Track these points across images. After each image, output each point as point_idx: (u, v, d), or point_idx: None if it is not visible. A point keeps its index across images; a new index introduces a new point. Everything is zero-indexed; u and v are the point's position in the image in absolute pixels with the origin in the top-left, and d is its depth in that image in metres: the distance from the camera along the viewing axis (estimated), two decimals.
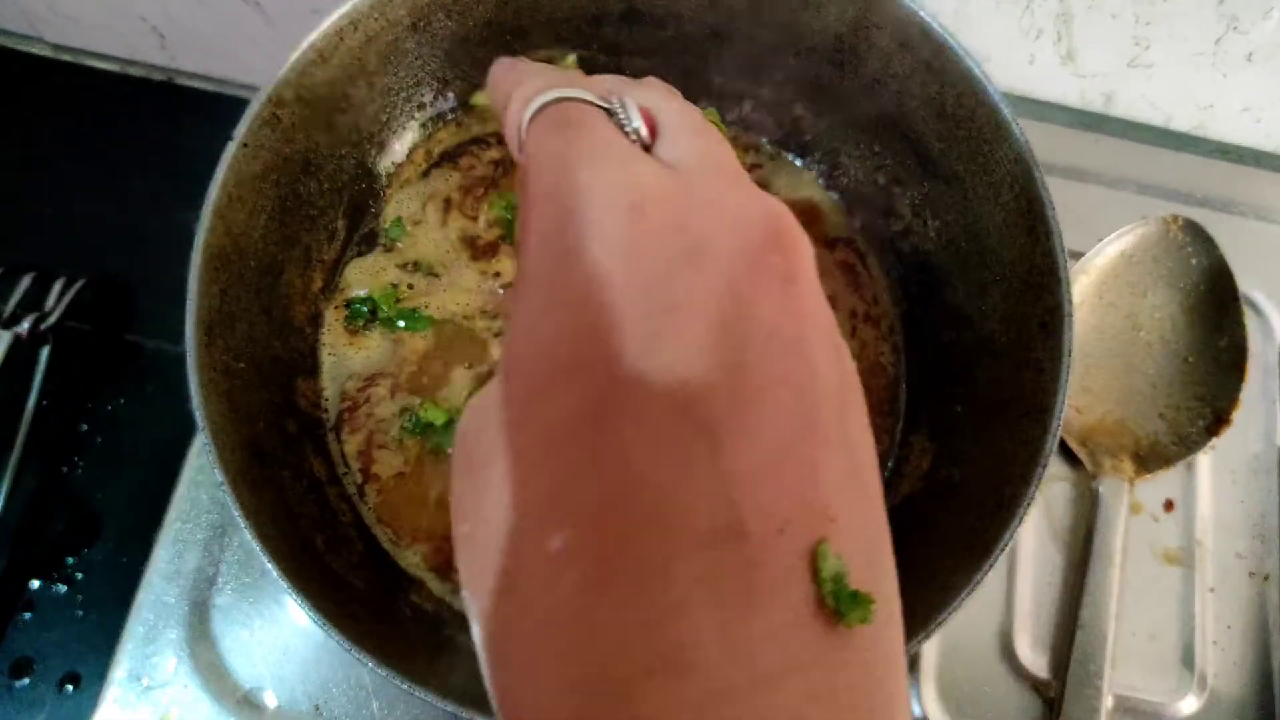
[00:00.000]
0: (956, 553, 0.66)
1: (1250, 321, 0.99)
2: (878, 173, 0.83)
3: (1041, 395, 0.67)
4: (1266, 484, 0.93)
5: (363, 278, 0.82)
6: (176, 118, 1.23)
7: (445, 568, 0.74)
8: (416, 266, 0.83)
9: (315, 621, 0.58)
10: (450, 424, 0.77)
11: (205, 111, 1.23)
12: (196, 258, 0.65)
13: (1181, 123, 1.04)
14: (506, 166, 0.87)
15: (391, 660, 0.58)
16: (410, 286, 0.82)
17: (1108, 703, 0.81)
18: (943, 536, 0.69)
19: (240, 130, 0.68)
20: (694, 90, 0.88)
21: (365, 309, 0.81)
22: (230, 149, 0.68)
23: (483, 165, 0.87)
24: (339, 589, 0.64)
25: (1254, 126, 1.03)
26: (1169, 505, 0.92)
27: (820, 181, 0.88)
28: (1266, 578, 0.90)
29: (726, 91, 0.87)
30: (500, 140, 0.88)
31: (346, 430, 0.78)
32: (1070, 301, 0.67)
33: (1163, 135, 1.05)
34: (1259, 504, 0.92)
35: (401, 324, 0.81)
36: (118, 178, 1.16)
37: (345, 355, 0.80)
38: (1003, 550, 0.62)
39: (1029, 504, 0.63)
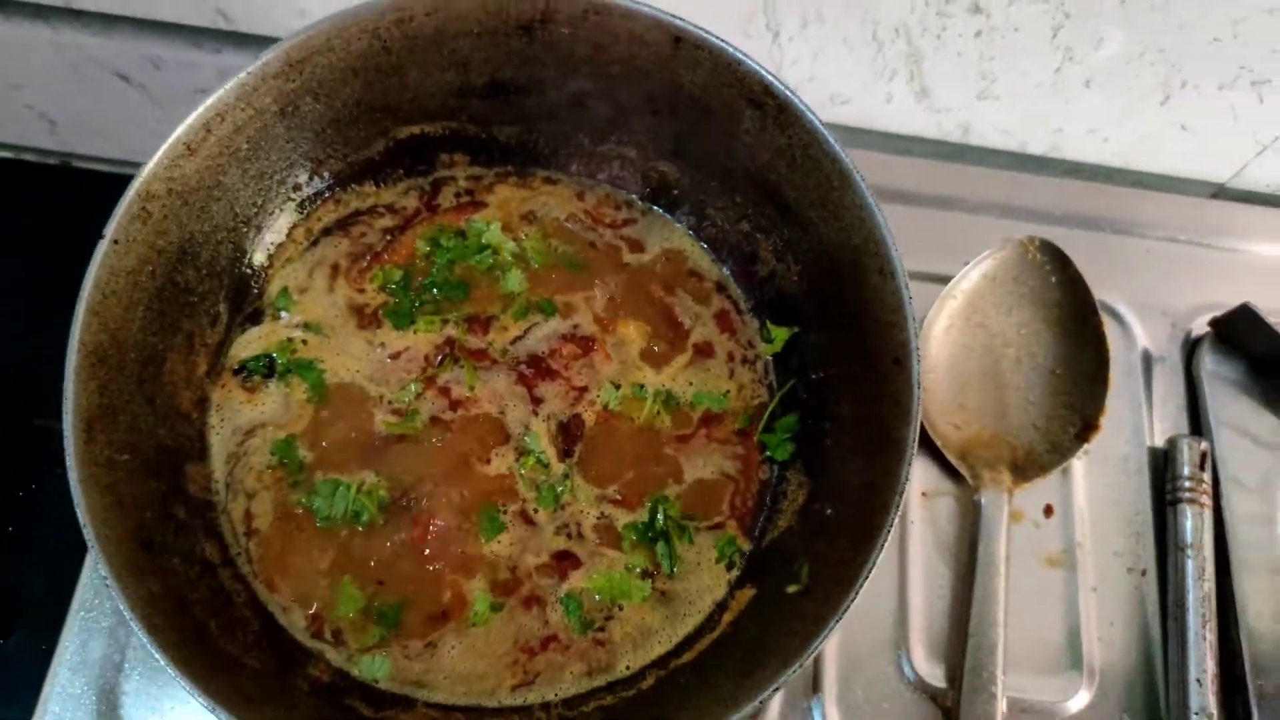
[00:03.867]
0: (827, 585, 0.69)
1: (1113, 330, 1.05)
2: (741, 221, 0.88)
3: (897, 427, 0.71)
4: (1138, 483, 0.98)
5: (254, 343, 0.84)
6: (74, 201, 1.22)
7: (323, 633, 0.76)
8: (307, 327, 0.85)
9: (205, 706, 0.60)
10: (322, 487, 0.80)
11: (103, 194, 1.22)
12: (72, 357, 0.66)
13: (1035, 147, 1.10)
14: (395, 235, 0.89)
15: None
16: (304, 342, 0.85)
17: (1002, 706, 0.85)
18: (816, 570, 0.73)
19: (110, 227, 0.70)
20: (564, 153, 0.91)
21: (262, 364, 0.83)
22: (101, 247, 0.69)
23: (374, 233, 0.89)
24: (233, 671, 0.66)
25: (1102, 146, 1.09)
26: (1048, 510, 0.97)
27: (690, 233, 0.92)
28: (1144, 573, 0.95)
29: (595, 153, 0.91)
30: (391, 209, 0.90)
31: (230, 497, 0.79)
32: (916, 337, 0.72)
33: (1020, 160, 1.11)
34: (1132, 503, 0.98)
35: (298, 375, 0.83)
36: (19, 264, 1.16)
37: (238, 413, 0.82)
38: (866, 579, 0.66)
39: (889, 532, 0.67)
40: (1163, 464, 0.99)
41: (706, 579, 0.81)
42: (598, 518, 0.82)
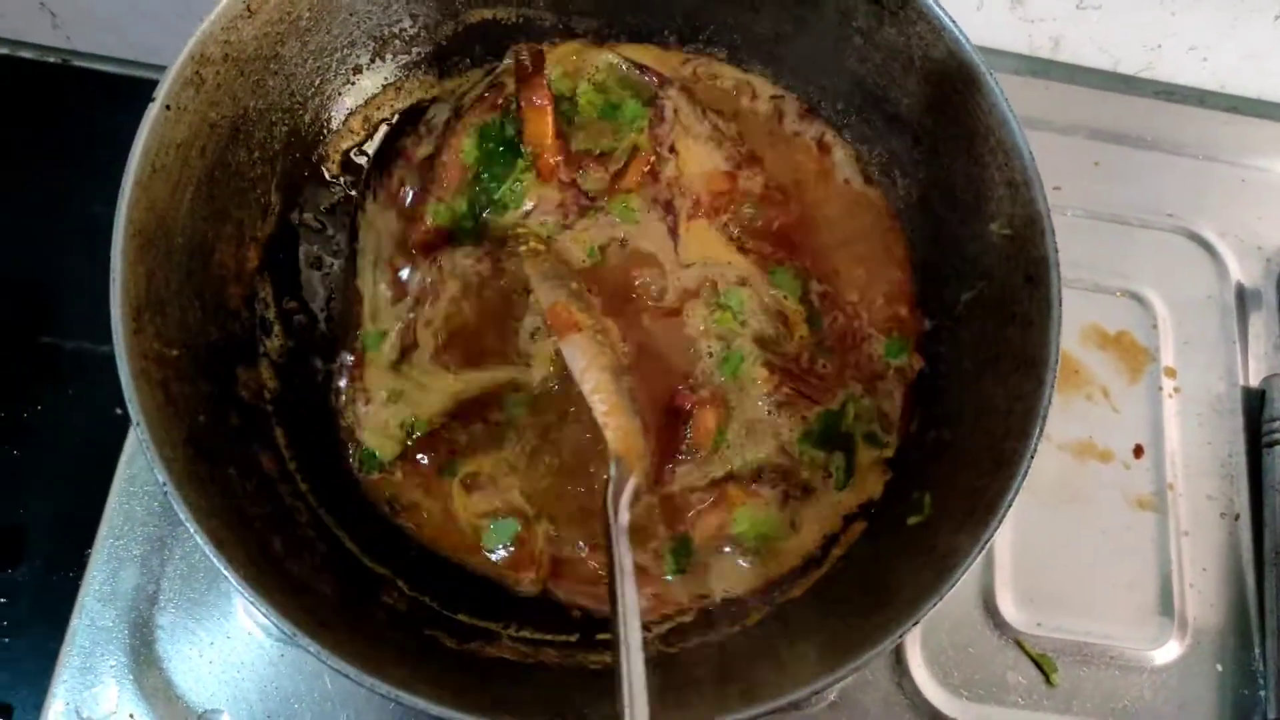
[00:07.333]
0: (957, 515, 0.63)
1: (1204, 263, 0.99)
2: (842, 132, 0.80)
3: (1032, 348, 0.65)
4: (1232, 424, 0.93)
5: None
6: (76, 102, 1.11)
7: None
8: None
9: (286, 633, 0.53)
10: None
11: (106, 95, 1.11)
12: (119, 235, 0.58)
13: (1129, 65, 1.03)
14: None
15: (372, 668, 0.53)
16: None
17: None
18: (940, 500, 0.67)
19: (162, 90, 0.61)
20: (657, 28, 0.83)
21: None
22: (152, 111, 0.61)
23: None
24: (304, 594, 0.58)
25: (1200, 66, 1.03)
26: (1139, 451, 0.91)
27: None
28: (1237, 517, 0.90)
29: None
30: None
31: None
32: (1055, 251, 0.65)
33: (1110, 79, 1.04)
34: (1226, 444, 0.92)
35: None
36: (16, 170, 1.05)
37: None
38: (1009, 507, 0.60)
39: (1031, 458, 0.61)
40: (1258, 404, 0.93)
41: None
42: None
